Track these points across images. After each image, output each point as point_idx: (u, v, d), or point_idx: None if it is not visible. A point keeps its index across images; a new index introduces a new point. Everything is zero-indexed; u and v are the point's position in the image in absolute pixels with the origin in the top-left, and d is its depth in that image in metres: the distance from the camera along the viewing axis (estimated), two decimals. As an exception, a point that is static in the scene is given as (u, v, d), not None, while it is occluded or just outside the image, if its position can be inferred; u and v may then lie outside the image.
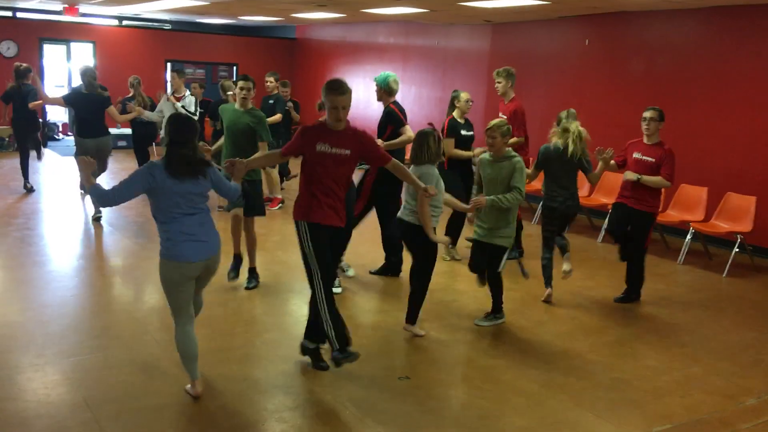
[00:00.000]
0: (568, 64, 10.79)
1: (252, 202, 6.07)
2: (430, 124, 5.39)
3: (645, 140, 6.23)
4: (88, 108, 8.40)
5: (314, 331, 4.61)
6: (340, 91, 4.32)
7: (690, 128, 9.03)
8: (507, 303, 5.75)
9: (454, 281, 6.79)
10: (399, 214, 5.28)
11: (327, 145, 4.34)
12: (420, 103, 13.47)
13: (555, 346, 5.30)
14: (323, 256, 4.36)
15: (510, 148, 5.52)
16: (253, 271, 6.33)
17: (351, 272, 6.70)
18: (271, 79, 10.25)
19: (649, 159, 6.11)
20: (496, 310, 5.68)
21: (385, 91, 6.64)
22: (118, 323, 5.44)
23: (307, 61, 17.60)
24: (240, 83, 6.16)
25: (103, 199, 3.95)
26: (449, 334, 5.37)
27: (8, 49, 15.04)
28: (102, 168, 8.87)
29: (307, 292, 4.57)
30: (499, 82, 7.65)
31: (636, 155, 6.21)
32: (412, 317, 5.30)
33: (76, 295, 6.16)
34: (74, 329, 5.32)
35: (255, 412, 4.11)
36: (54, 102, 9.17)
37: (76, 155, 8.26)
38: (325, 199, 4.37)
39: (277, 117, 9.78)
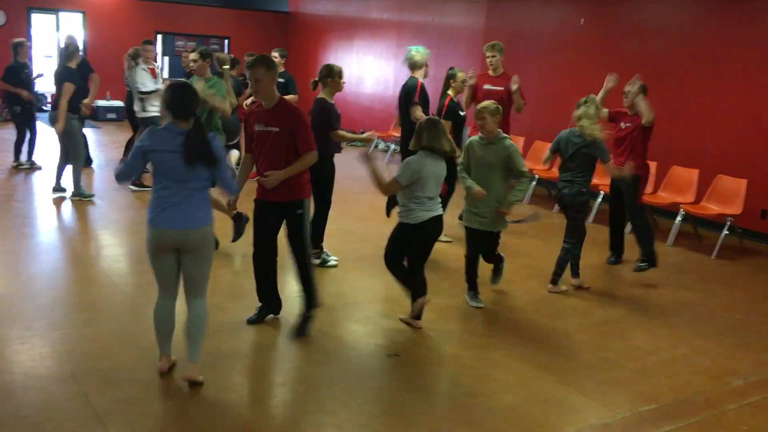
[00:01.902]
0: (563, 44, 10.73)
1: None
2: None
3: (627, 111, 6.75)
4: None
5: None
6: (250, 63, 4.48)
7: (682, 110, 9.02)
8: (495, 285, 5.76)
9: (443, 260, 6.78)
10: (430, 213, 4.92)
11: (261, 124, 4.58)
12: (413, 80, 13.38)
13: (544, 326, 5.32)
14: (258, 231, 4.79)
15: (499, 130, 5.42)
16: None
17: (333, 262, 6.39)
18: (276, 54, 9.83)
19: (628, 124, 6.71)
20: (498, 271, 5.87)
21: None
22: (106, 296, 5.41)
23: (300, 36, 17.43)
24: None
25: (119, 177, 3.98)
26: (438, 313, 5.38)
27: (-4, 18, 14.81)
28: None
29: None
30: (493, 56, 7.70)
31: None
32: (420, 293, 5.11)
33: (64, 267, 6.12)
34: (62, 302, 5.29)
35: (243, 386, 4.11)
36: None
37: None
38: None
39: (293, 97, 9.38)
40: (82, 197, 8.29)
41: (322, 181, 5.88)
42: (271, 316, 5.01)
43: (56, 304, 5.22)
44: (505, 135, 5.46)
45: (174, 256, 3.94)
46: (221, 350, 4.49)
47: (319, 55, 16.33)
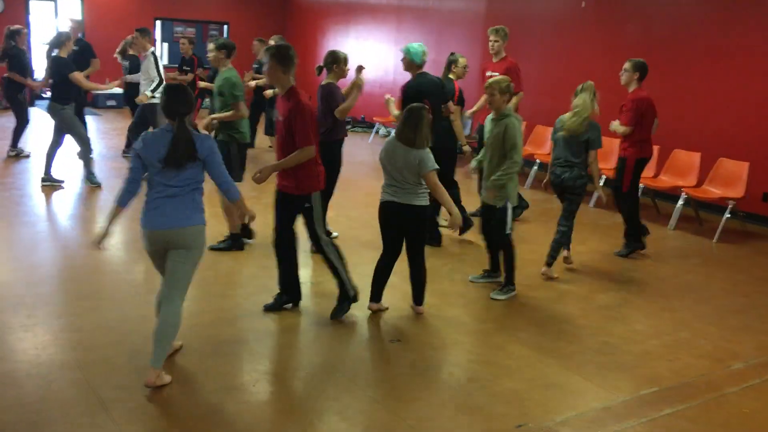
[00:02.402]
0: (564, 28, 10.66)
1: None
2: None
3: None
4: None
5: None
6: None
7: (684, 93, 8.98)
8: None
9: (446, 245, 6.78)
10: (384, 196, 4.85)
11: (278, 112, 4.67)
12: (413, 64, 13.31)
13: (545, 310, 5.33)
14: (276, 219, 4.85)
15: (510, 106, 5.41)
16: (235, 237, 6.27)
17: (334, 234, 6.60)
18: (256, 42, 9.76)
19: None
20: (510, 281, 5.51)
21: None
22: (109, 284, 5.42)
23: (299, 21, 17.33)
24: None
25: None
26: (440, 298, 5.38)
27: (-6, 5, 14.72)
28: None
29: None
30: (495, 41, 7.70)
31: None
32: (419, 299, 5.08)
33: (66, 256, 6.13)
34: (65, 290, 5.30)
35: (245, 373, 4.13)
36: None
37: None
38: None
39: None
40: (91, 183, 8.35)
41: (329, 167, 5.85)
42: (290, 305, 5.00)
43: (59, 292, 5.23)
44: (511, 113, 5.33)
45: (164, 257, 3.91)
46: (222, 337, 4.51)
47: (318, 40, 16.24)
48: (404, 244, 4.93)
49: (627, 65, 6.62)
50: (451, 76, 7.11)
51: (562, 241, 6.01)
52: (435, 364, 4.40)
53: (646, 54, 9.35)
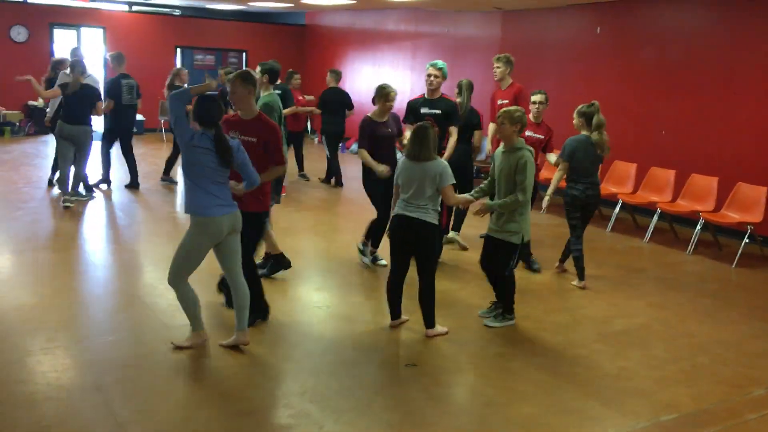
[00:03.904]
0: (579, 53, 10.72)
1: None
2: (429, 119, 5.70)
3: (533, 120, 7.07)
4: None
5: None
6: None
7: (701, 117, 8.97)
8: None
9: (460, 269, 6.79)
10: (397, 211, 4.99)
11: (237, 132, 4.84)
12: (429, 90, 13.42)
13: (562, 335, 5.30)
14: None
15: (522, 139, 5.29)
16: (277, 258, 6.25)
17: (383, 262, 6.63)
18: (258, 69, 9.79)
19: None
20: (508, 310, 5.43)
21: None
22: (128, 307, 5.47)
23: (316, 48, 17.56)
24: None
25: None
26: (456, 322, 5.38)
27: (18, 34, 15.07)
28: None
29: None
30: (498, 67, 7.81)
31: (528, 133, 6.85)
32: (430, 321, 5.09)
33: (86, 279, 6.20)
34: (85, 313, 5.36)
35: (263, 397, 4.14)
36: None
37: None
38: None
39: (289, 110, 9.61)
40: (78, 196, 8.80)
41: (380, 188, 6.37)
42: (259, 320, 5.12)
43: (79, 315, 5.29)
44: (523, 146, 5.22)
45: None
46: (241, 360, 4.53)
47: (336, 67, 16.42)
48: (414, 262, 5.07)
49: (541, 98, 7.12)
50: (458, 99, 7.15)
51: (582, 256, 6.42)
52: (451, 388, 4.39)
53: (663, 78, 9.40)
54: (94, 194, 9.17)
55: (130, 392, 4.05)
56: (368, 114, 6.50)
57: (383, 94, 6.45)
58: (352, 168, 11.15)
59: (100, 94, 8.74)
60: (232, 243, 4.53)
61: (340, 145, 11.94)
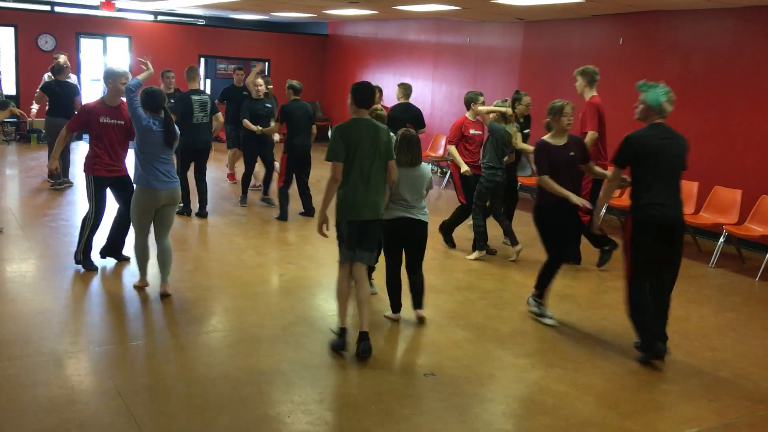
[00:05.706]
0: (602, 64, 10.60)
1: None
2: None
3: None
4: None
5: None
6: None
7: (724, 130, 8.89)
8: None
9: (479, 279, 6.78)
10: (393, 212, 5.21)
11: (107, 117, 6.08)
12: (451, 100, 13.44)
13: (582, 347, 5.27)
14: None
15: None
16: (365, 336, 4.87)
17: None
18: (260, 81, 9.55)
19: None
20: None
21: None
22: (151, 313, 5.53)
23: (339, 58, 17.66)
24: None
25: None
26: (474, 332, 5.37)
27: (46, 42, 15.32)
28: None
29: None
30: (576, 81, 7.57)
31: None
32: (419, 303, 5.51)
33: (110, 284, 6.27)
34: (108, 318, 5.42)
35: (282, 403, 4.16)
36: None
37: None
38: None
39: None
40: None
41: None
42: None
43: (102, 320, 5.36)
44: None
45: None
46: (258, 367, 4.56)
47: (358, 76, 16.49)
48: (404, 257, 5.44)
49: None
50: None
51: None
52: (469, 398, 4.38)
53: (685, 91, 9.33)
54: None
55: (151, 397, 4.10)
56: (543, 137, 5.62)
57: (556, 110, 5.56)
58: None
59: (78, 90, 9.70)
60: (168, 212, 5.68)
61: None
